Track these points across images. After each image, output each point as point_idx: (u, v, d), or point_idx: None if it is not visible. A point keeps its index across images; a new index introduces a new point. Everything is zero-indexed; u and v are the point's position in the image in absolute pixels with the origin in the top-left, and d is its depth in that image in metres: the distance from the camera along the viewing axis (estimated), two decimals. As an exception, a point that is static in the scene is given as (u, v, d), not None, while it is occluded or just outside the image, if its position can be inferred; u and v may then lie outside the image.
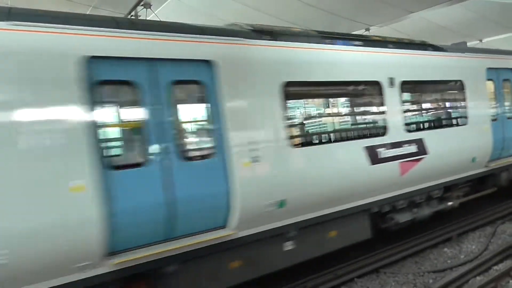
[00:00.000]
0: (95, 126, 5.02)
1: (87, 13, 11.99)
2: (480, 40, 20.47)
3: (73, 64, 4.87)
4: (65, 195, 4.70)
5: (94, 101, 5.02)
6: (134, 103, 5.46)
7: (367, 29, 16.84)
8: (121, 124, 5.70)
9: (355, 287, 7.41)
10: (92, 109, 5.00)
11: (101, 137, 5.11)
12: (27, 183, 4.52)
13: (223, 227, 6.05)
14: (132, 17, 13.17)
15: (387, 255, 8.36)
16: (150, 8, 13.11)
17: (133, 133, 5.62)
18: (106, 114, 5.40)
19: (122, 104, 5.65)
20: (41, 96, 4.70)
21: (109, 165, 5.10)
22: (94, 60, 5.03)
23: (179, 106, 5.81)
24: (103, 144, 5.15)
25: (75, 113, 4.85)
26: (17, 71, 4.59)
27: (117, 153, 5.54)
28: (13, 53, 4.58)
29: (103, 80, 5.18)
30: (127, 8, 13.19)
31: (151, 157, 5.42)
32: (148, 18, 13.19)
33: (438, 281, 7.12)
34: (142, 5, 12.98)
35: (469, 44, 13.99)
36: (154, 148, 5.45)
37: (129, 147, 5.70)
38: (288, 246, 6.81)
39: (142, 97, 5.43)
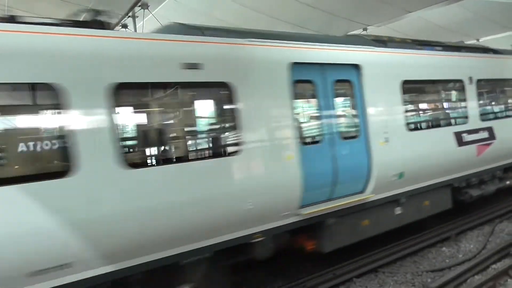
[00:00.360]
0: (294, 114, 6.82)
1: (85, 14, 11.97)
2: (478, 40, 20.48)
3: (285, 68, 6.71)
4: (283, 162, 6.49)
5: (293, 96, 6.80)
6: (313, 97, 7.28)
7: (365, 29, 16.82)
8: (306, 113, 7.42)
9: (353, 287, 7.41)
10: (293, 102, 6.79)
11: (297, 121, 6.90)
12: (265, 155, 6.38)
13: (361, 192, 7.72)
14: (130, 17, 13.17)
15: (386, 255, 8.38)
16: (147, 8, 13.09)
17: (312, 118, 7.39)
18: (299, 105, 7.20)
19: (306, 98, 7.44)
20: (271, 92, 6.56)
21: (302, 142, 6.87)
22: (293, 65, 6.81)
23: (338, 99, 7.68)
24: (299, 126, 6.94)
25: (287, 105, 6.70)
26: (254, 74, 6.42)
27: (305, 133, 7.22)
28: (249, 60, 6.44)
29: (297, 80, 6.91)
30: (125, 9, 13.16)
31: (323, 136, 7.26)
32: (145, 19, 13.19)
33: (436, 280, 7.13)
34: (139, 6, 12.96)
35: (466, 43, 14.00)
36: (325, 129, 7.30)
37: (310, 129, 7.43)
38: (398, 211, 8.41)
39: (317, 92, 7.25)
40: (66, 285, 4.92)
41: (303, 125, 7.21)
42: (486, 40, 20.28)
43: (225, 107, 6.43)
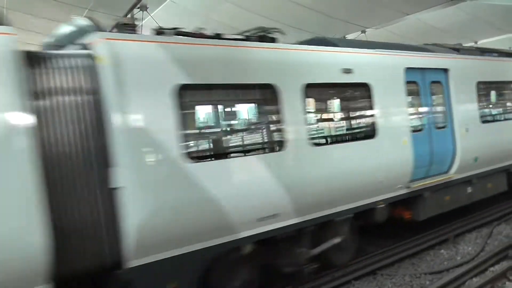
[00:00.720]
0: (407, 107, 8.70)
1: (83, 15, 11.95)
2: (475, 42, 20.57)
3: (402, 72, 8.58)
4: (401, 145, 8.36)
5: (406, 93, 8.64)
6: (417, 94, 9.16)
7: (363, 31, 16.87)
8: (413, 106, 9.21)
9: (352, 289, 7.43)
10: (406, 98, 8.69)
11: (410, 113, 8.78)
12: (391, 139, 8.24)
13: (446, 172, 9.52)
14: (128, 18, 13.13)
15: (384, 257, 8.38)
16: (146, 10, 13.11)
17: (417, 111, 9.22)
18: (409, 101, 8.93)
19: (413, 95, 9.12)
20: (395, 90, 8.46)
21: (411, 129, 8.63)
22: (406, 69, 8.71)
23: (433, 96, 9.56)
24: (410, 117, 8.80)
25: (403, 100, 8.60)
26: (382, 76, 8.23)
27: (413, 122, 8.88)
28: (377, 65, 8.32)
29: (408, 81, 8.70)
30: (123, 11, 13.16)
31: (424, 125, 9.17)
32: (144, 21, 13.19)
33: (435, 283, 7.13)
34: (138, 8, 12.98)
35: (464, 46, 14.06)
36: (425, 120, 9.22)
37: (416, 119, 9.15)
38: (469, 190, 10.07)
39: (420, 91, 9.16)
40: (273, 230, 6.57)
41: (411, 116, 8.94)
42: (484, 43, 20.37)
43: (366, 102, 8.11)
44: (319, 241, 7.39)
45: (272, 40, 7.20)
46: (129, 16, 13.23)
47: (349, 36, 17.13)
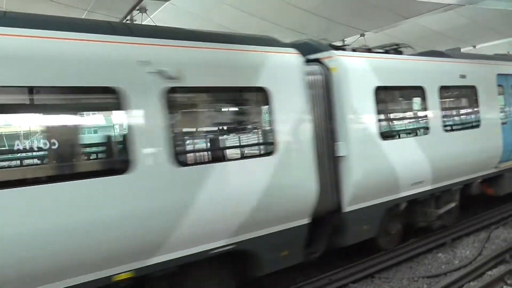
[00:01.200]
0: (499, 106, 11.40)
1: (83, 17, 11.97)
2: (474, 46, 20.61)
3: (495, 77, 11.23)
4: (495, 133, 10.93)
5: (497, 94, 11.32)
6: (503, 94, 11.62)
7: (362, 35, 16.89)
8: (501, 104, 11.60)
9: (349, 292, 7.40)
10: (499, 97, 11.36)
11: (500, 109, 11.42)
12: (491, 128, 10.88)
13: None
14: (128, 22, 13.14)
15: (382, 260, 8.37)
16: (145, 12, 13.10)
17: (503, 108, 11.61)
18: (500, 99, 11.58)
19: (500, 95, 11.56)
20: (491, 91, 11.12)
21: (501, 122, 11.17)
22: (498, 75, 11.35)
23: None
24: (500, 112, 11.37)
25: (496, 99, 11.22)
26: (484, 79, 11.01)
27: (501, 116, 11.36)
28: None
29: (497, 84, 11.34)
30: (123, 13, 13.13)
31: (508, 119, 11.55)
32: (143, 23, 13.18)
33: (432, 286, 7.14)
34: (137, 10, 12.97)
35: (462, 50, 14.12)
36: (508, 114, 11.65)
37: (503, 114, 11.55)
38: None
39: (505, 92, 11.70)
40: (419, 193, 8.97)
41: (501, 111, 11.37)
42: (482, 47, 20.40)
43: (473, 99, 10.58)
44: (441, 205, 9.65)
45: (400, 53, 9.43)
46: (128, 17, 13.22)
47: (348, 40, 17.16)
